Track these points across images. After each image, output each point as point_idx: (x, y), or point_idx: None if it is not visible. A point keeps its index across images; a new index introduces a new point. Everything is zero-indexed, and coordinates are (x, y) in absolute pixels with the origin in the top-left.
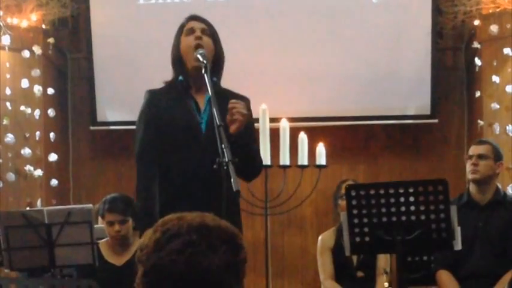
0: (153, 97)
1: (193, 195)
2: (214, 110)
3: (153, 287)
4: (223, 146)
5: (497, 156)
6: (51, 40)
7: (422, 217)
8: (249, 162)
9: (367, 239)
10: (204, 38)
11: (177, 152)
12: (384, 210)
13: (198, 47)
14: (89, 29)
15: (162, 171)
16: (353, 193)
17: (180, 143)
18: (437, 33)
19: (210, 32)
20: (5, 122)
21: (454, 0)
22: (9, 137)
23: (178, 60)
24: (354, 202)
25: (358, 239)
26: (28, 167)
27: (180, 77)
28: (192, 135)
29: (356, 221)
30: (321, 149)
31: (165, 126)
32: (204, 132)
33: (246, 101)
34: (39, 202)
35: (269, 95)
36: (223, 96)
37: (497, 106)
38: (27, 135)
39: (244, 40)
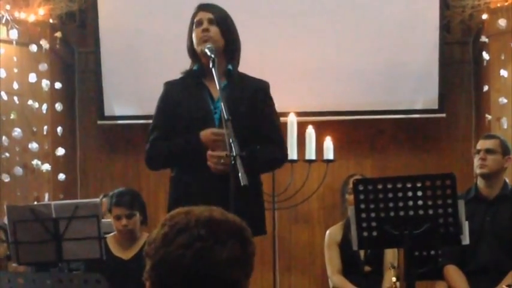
0: (169, 89)
1: (205, 190)
2: (223, 105)
3: (161, 281)
4: (230, 140)
5: (505, 150)
6: (58, 34)
7: (430, 211)
8: (263, 172)
9: (374, 233)
10: (211, 29)
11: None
12: (391, 204)
13: (204, 39)
14: (96, 23)
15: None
16: (361, 187)
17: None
18: (445, 27)
19: (218, 20)
20: (12, 116)
21: None
22: (17, 131)
23: (192, 51)
24: (361, 196)
25: (365, 234)
26: (35, 162)
27: (195, 67)
28: (205, 128)
29: (364, 215)
30: (328, 143)
31: (179, 118)
32: (217, 124)
33: (264, 84)
34: (46, 196)
35: (277, 90)
36: (240, 82)
37: (505, 100)
38: (35, 129)
39: (251, 34)
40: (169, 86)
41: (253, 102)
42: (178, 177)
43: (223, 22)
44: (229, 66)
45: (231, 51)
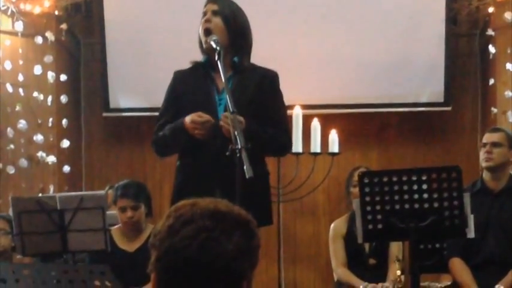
0: (177, 78)
1: (207, 178)
2: (228, 97)
3: (166, 273)
4: (236, 132)
5: (511, 143)
6: (64, 26)
7: (436, 204)
8: (263, 150)
9: (379, 226)
10: (213, 20)
11: (194, 136)
12: (396, 197)
13: (206, 30)
14: (101, 15)
15: (180, 152)
16: (366, 180)
17: None
18: (451, 19)
19: (222, 11)
20: (17, 108)
21: None
22: (22, 123)
23: (200, 43)
24: (367, 189)
25: (370, 227)
26: (40, 153)
27: (203, 59)
28: None
29: (369, 208)
30: (333, 136)
31: (183, 108)
32: (219, 116)
33: (271, 73)
34: (51, 188)
35: (282, 82)
36: (248, 72)
37: (511, 94)
38: (40, 121)
39: (257, 27)
40: (178, 75)
41: (258, 91)
42: (181, 166)
43: (228, 14)
44: (235, 58)
45: (236, 43)
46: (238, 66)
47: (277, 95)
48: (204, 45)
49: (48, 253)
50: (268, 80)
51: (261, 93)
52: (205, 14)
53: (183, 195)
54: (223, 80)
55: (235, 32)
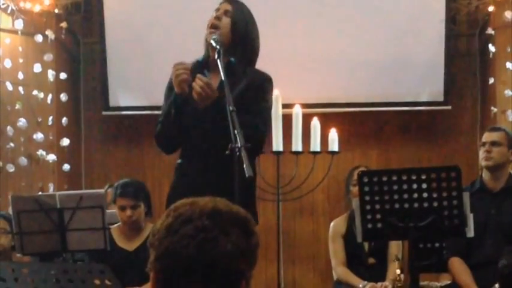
0: None
1: (198, 179)
2: (227, 95)
3: (164, 272)
4: (235, 131)
5: (510, 143)
6: (63, 24)
7: (435, 204)
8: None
9: (379, 225)
10: (223, 20)
11: (186, 135)
12: (396, 196)
13: (213, 26)
14: (101, 13)
15: (180, 152)
16: (366, 179)
17: (188, 125)
18: (451, 19)
19: (234, 14)
20: (17, 106)
21: None
22: (22, 122)
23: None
24: (366, 188)
25: (370, 226)
26: (40, 152)
27: (200, 58)
28: (198, 118)
29: (368, 207)
30: (333, 135)
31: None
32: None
33: (262, 76)
34: (51, 187)
35: (282, 81)
36: (239, 76)
37: (511, 93)
38: (40, 119)
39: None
40: None
41: (242, 95)
42: (179, 165)
43: (238, 17)
44: (232, 59)
45: (236, 46)
46: (230, 69)
47: (264, 95)
48: (206, 39)
49: (48, 252)
50: (256, 84)
51: (246, 97)
52: (217, 10)
53: (176, 196)
54: (222, 77)
55: (240, 37)
